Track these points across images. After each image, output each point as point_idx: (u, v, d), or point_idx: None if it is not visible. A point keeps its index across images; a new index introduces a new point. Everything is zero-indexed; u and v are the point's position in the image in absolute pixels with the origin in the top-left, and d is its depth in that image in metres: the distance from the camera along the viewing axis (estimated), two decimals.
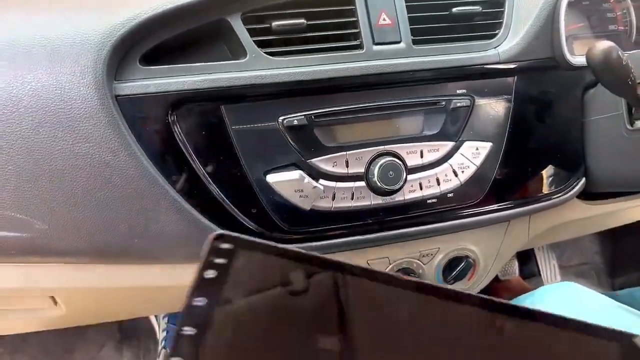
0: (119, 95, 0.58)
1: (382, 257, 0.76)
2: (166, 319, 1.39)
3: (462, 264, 0.79)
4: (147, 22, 0.58)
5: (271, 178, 0.63)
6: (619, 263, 1.63)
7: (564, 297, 0.73)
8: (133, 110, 0.59)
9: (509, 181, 0.73)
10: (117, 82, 0.59)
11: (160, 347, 1.37)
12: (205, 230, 0.63)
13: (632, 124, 0.68)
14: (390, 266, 0.77)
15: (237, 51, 0.63)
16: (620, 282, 1.63)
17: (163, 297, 0.77)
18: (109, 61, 0.57)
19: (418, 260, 0.78)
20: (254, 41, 0.63)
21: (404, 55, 0.67)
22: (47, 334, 1.45)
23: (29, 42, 0.56)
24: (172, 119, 0.60)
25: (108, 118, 0.57)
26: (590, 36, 0.85)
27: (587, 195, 0.83)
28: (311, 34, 0.65)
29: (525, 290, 0.81)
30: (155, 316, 1.45)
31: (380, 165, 0.65)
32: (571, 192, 0.77)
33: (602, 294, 1.12)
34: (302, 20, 0.65)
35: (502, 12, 0.71)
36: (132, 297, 0.77)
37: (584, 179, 0.78)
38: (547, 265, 1.62)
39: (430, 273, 0.80)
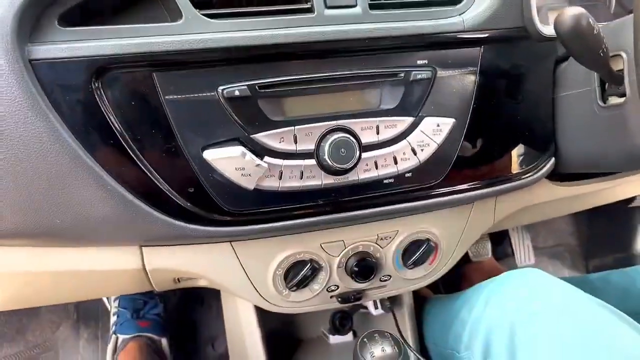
0: (33, 59, 0.52)
1: (337, 241, 0.72)
2: (117, 302, 1.34)
3: (423, 247, 0.75)
4: None
5: (209, 154, 0.58)
6: (593, 245, 1.61)
7: (526, 284, 0.69)
8: (51, 76, 0.53)
9: (473, 161, 0.69)
10: (32, 44, 0.52)
11: (111, 332, 1.31)
12: (137, 212, 0.58)
13: (604, 100, 0.64)
14: (346, 249, 0.72)
15: (173, 13, 0.57)
16: (594, 265, 1.61)
17: (102, 281, 0.71)
18: (20, 18, 0.50)
19: (375, 243, 0.74)
20: (191, 1, 0.57)
21: (358, 21, 0.61)
22: None
23: None
24: (97, 86, 0.54)
25: (20, 84, 0.50)
26: (566, 7, 0.80)
27: (556, 176, 0.79)
28: None
29: (497, 272, 0.77)
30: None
31: (332, 142, 0.60)
32: (539, 173, 0.72)
33: (573, 278, 1.10)
34: None
35: None
36: (70, 281, 0.71)
37: (553, 159, 0.73)
38: (521, 246, 1.60)
39: (389, 257, 0.75)
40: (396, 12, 0.63)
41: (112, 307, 1.38)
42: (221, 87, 0.57)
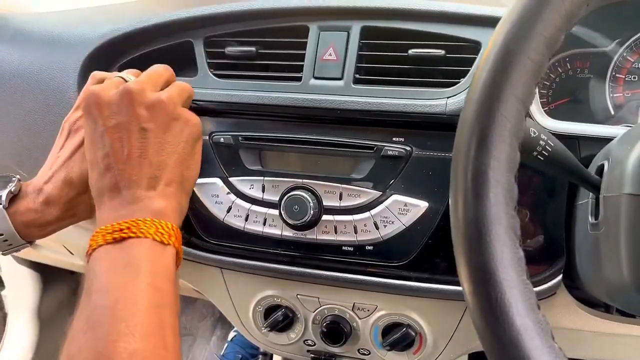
0: None
1: (312, 296, 0.74)
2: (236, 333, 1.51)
3: (401, 331, 0.70)
4: (123, 36, 0.71)
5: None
6: None
7: None
8: None
9: (446, 251, 0.63)
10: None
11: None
12: None
13: (596, 216, 0.53)
14: (321, 308, 0.74)
15: (192, 69, 0.71)
16: None
17: None
18: (87, 63, 0.71)
19: (352, 311, 0.73)
20: (209, 63, 0.70)
21: (339, 93, 0.65)
22: None
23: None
24: None
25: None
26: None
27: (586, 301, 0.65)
28: (258, 62, 0.69)
29: None
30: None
31: (288, 197, 0.65)
32: (540, 288, 0.62)
33: None
34: (253, 48, 0.69)
35: (471, 59, 0.62)
36: None
37: (560, 277, 0.61)
38: None
39: (366, 330, 0.73)
40: (380, 88, 0.64)
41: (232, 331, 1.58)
42: (212, 133, 0.68)
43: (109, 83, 0.54)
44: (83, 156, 0.55)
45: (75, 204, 0.58)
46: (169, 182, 0.51)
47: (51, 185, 0.56)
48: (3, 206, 0.54)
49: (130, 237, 0.45)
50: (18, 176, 0.57)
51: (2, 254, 0.57)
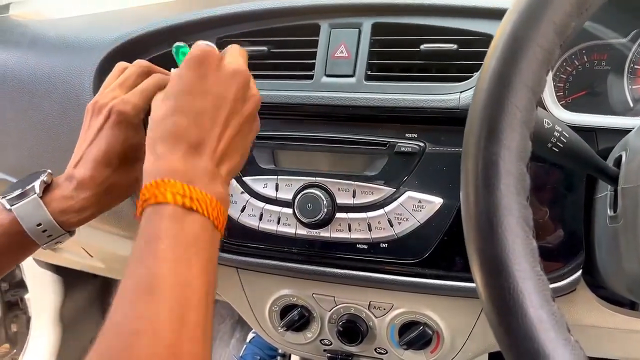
0: None
1: (328, 295, 0.74)
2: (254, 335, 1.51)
3: (418, 330, 0.70)
4: (136, 39, 0.72)
5: None
6: None
7: None
8: None
9: (462, 247, 0.62)
10: None
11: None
12: None
13: (614, 209, 0.51)
14: (337, 307, 0.73)
15: None
16: None
17: None
18: (102, 67, 0.72)
19: (368, 310, 0.72)
20: None
21: (351, 90, 0.65)
22: None
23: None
24: None
25: None
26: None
27: (611, 300, 0.64)
28: (270, 61, 0.69)
29: None
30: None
31: (301, 196, 0.65)
32: (558, 285, 0.61)
33: None
34: (264, 48, 0.69)
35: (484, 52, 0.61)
36: None
37: (579, 272, 0.60)
38: None
39: (382, 329, 0.73)
40: (393, 84, 0.64)
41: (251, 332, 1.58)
42: None
43: (214, 53, 0.50)
44: (109, 131, 0.54)
45: (110, 184, 0.56)
46: (232, 168, 0.49)
47: (81, 167, 0.55)
48: (38, 195, 0.53)
49: (197, 212, 0.42)
50: (49, 170, 0.57)
51: (43, 247, 0.56)
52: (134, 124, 0.55)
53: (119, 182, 0.57)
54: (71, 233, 0.57)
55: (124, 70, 0.58)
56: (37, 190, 0.53)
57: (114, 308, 0.38)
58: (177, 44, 0.54)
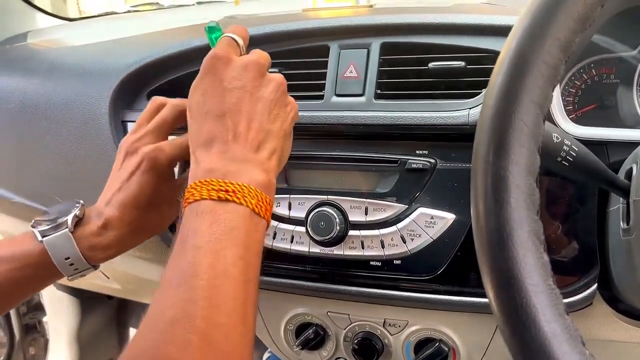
0: (125, 120, 0.75)
1: (343, 313, 0.73)
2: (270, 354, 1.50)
3: (434, 347, 0.69)
4: (150, 65, 0.74)
5: None
6: None
7: None
8: None
9: (475, 262, 0.62)
10: (129, 110, 0.76)
11: None
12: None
13: (627, 221, 0.51)
14: (352, 325, 0.73)
15: None
16: None
17: None
18: (118, 92, 0.74)
19: (383, 327, 0.72)
20: None
21: (361, 109, 0.66)
22: None
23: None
24: None
25: (112, 134, 0.74)
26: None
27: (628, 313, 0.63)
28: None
29: None
30: None
31: (314, 214, 0.65)
32: (573, 299, 0.60)
33: None
34: (275, 70, 0.70)
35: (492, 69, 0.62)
36: None
37: (595, 286, 0.60)
38: None
39: (398, 346, 0.72)
40: (402, 102, 0.65)
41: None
42: None
43: (230, 46, 0.54)
44: (141, 177, 0.56)
45: (137, 225, 0.57)
46: (272, 152, 0.50)
47: (111, 207, 0.56)
48: (69, 230, 0.55)
49: (233, 202, 0.44)
50: (82, 201, 0.58)
51: (69, 279, 0.57)
52: (165, 172, 0.57)
53: (146, 223, 0.59)
54: (95, 267, 0.59)
55: (159, 107, 0.59)
56: (70, 225, 0.55)
57: (151, 302, 0.39)
58: (210, 23, 0.56)
